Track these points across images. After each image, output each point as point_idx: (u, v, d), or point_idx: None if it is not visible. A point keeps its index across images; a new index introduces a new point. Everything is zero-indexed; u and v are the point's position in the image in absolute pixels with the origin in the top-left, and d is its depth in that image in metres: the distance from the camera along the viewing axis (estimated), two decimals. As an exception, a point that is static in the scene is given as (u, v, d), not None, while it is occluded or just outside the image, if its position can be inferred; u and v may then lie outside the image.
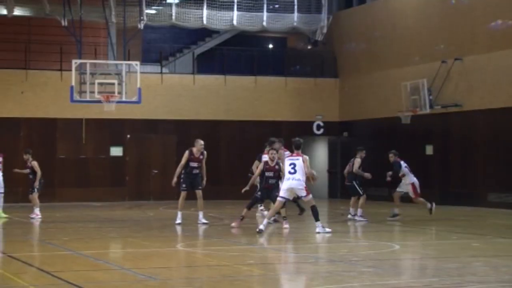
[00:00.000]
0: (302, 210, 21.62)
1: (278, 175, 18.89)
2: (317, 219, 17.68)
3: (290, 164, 17.64)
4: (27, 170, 22.33)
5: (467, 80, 27.34)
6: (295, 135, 32.93)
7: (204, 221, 19.92)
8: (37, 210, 21.91)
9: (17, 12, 28.86)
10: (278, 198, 17.83)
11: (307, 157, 17.96)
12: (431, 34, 28.73)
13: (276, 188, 18.72)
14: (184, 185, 19.98)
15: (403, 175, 21.83)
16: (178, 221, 19.80)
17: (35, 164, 22.09)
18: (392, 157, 22.06)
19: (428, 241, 16.73)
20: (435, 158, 28.82)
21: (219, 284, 10.92)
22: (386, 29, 30.84)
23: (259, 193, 19.23)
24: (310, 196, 17.78)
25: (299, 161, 17.67)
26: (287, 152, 19.78)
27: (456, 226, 20.13)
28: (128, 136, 31.08)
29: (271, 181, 18.89)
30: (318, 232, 17.43)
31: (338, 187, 33.39)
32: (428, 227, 19.59)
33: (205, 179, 20.16)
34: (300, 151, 17.95)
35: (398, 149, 30.37)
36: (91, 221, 21.84)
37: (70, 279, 10.93)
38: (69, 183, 30.38)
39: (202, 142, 20.18)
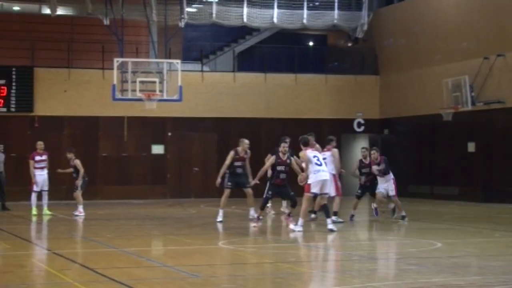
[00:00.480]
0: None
1: (289, 169, 18.44)
2: (328, 216, 17.46)
3: (314, 157, 17.34)
4: (71, 169, 22.56)
5: (509, 76, 27.06)
6: (335, 132, 32.82)
7: (255, 215, 19.77)
8: (80, 208, 22.14)
9: (60, 11, 29.18)
10: (309, 196, 17.42)
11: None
12: (472, 30, 28.48)
13: (287, 185, 18.40)
14: (229, 183, 20.05)
15: (383, 173, 21.17)
16: (219, 219, 19.86)
17: (77, 162, 22.29)
18: (374, 153, 21.52)
19: (471, 239, 16.61)
20: (478, 155, 28.57)
21: (261, 282, 10.96)
22: (427, 25, 30.64)
23: (270, 192, 18.62)
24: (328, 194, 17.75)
25: (321, 155, 17.70)
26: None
27: (499, 224, 19.95)
28: (169, 134, 31.26)
29: (282, 175, 18.32)
30: (331, 229, 17.13)
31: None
32: (470, 225, 19.45)
33: (250, 177, 20.16)
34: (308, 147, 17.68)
35: (439, 147, 30.39)
36: (133, 218, 22.02)
37: (114, 276, 11.04)
38: (111, 180, 30.64)
39: (247, 141, 20.36)
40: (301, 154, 17.61)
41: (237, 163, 20.06)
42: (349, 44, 35.11)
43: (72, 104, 30.19)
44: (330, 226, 17.26)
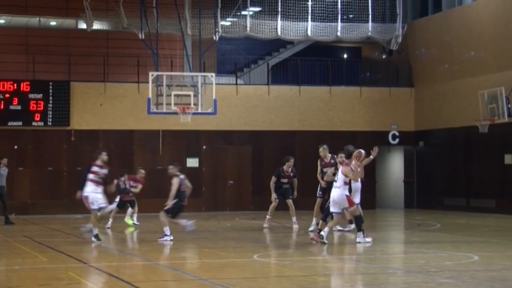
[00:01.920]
0: None
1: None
2: (359, 230, 17.43)
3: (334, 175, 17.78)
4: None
5: (546, 87, 26.82)
6: (370, 145, 32.71)
7: (296, 225, 21.52)
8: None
9: (96, 26, 29.45)
10: (334, 215, 17.61)
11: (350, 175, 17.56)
12: (508, 41, 28.27)
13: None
14: (275, 196, 21.66)
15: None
16: (265, 225, 21.57)
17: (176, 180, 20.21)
18: (342, 157, 21.20)
19: (508, 252, 16.44)
20: (514, 167, 28.30)
21: (296, 295, 10.94)
22: (462, 37, 30.48)
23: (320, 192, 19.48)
24: (355, 206, 17.59)
25: (339, 169, 17.70)
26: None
27: (536, 237, 19.72)
28: (204, 147, 31.37)
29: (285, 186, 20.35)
30: (359, 242, 17.25)
31: (415, 197, 33.11)
32: (508, 238, 19.26)
33: (295, 191, 22.15)
34: (347, 160, 17.88)
35: (475, 159, 30.15)
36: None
37: (150, 289, 11.09)
38: (146, 194, 30.73)
39: (292, 159, 21.25)
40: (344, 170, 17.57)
41: (283, 180, 22.16)
42: (384, 56, 35.01)
43: (108, 118, 30.44)
44: (359, 239, 17.41)
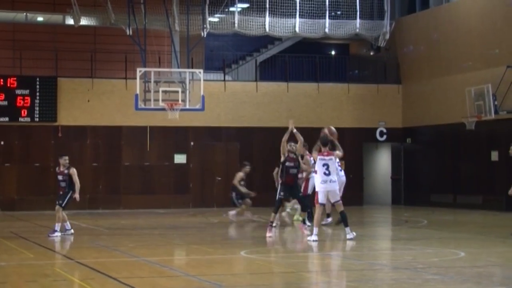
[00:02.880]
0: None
1: (299, 164, 18.88)
2: (346, 225, 17.46)
3: (323, 165, 17.36)
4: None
5: (533, 85, 26.93)
6: (357, 141, 32.98)
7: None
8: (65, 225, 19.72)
9: (84, 22, 29.36)
10: (317, 205, 17.58)
11: (339, 153, 17.64)
12: (495, 39, 28.36)
13: (297, 186, 18.80)
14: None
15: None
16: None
17: (75, 171, 19.66)
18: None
19: (494, 248, 16.51)
20: (501, 164, 28.41)
21: (283, 291, 10.96)
22: (450, 34, 30.55)
23: (281, 193, 18.65)
24: (340, 201, 17.61)
25: (332, 160, 17.44)
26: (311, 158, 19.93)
27: (523, 233, 19.78)
28: (192, 143, 31.35)
29: (292, 170, 18.64)
30: (350, 239, 17.24)
31: (402, 194, 33.20)
32: (494, 234, 19.33)
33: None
34: (327, 149, 17.61)
35: (462, 156, 30.25)
36: (155, 228, 22.08)
37: (136, 285, 11.08)
38: (134, 190, 30.76)
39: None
40: (337, 152, 17.62)
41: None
42: (371, 53, 35.05)
43: (95, 114, 30.37)
44: (349, 236, 17.34)
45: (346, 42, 36.75)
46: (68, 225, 19.31)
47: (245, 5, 30.94)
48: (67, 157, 19.55)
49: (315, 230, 17.23)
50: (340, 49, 38.25)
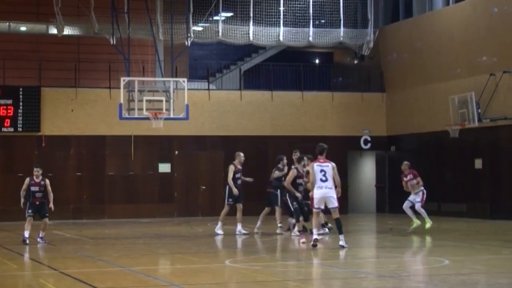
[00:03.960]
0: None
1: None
2: (340, 232, 17.47)
3: (321, 171, 17.48)
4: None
5: (516, 92, 27.05)
6: (342, 150, 33.01)
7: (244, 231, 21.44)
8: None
9: (67, 31, 29.32)
10: (314, 210, 17.64)
11: (334, 165, 17.82)
12: (478, 47, 28.49)
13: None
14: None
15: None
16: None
17: (48, 182, 20.09)
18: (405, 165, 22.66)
19: (479, 256, 16.56)
20: (485, 172, 28.51)
21: (268, 300, 10.93)
22: (433, 42, 30.67)
23: (294, 203, 19.33)
24: (337, 208, 17.64)
25: (328, 167, 17.57)
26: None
27: (506, 240, 19.87)
28: (176, 152, 31.30)
29: (301, 187, 19.59)
30: (342, 246, 17.26)
31: (387, 202, 33.25)
32: (478, 242, 19.39)
33: None
34: (324, 157, 17.77)
35: (446, 163, 30.33)
36: (140, 237, 22.01)
37: (121, 295, 11.03)
38: (118, 199, 30.67)
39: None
40: (333, 164, 17.79)
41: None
42: (355, 62, 35.16)
43: (79, 123, 30.28)
44: (341, 243, 17.31)
45: (330, 50, 36.84)
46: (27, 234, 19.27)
47: (229, 14, 31.00)
48: (40, 169, 19.78)
49: (315, 231, 17.42)
50: (324, 58, 38.33)
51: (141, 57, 28.35)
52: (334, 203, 17.58)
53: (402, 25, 32.85)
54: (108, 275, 13.69)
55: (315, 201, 17.55)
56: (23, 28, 32.56)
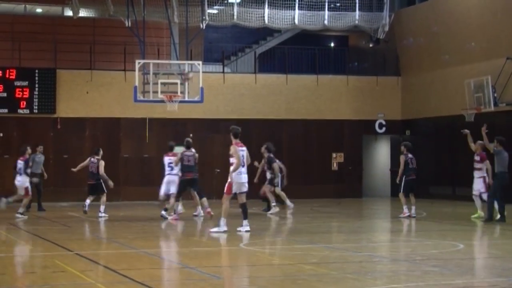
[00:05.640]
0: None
1: None
2: (245, 218, 17.30)
3: (242, 156, 17.20)
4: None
5: (532, 77, 26.89)
6: (357, 133, 32.99)
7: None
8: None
9: (82, 13, 29.36)
10: (228, 196, 17.34)
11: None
12: (495, 31, 28.31)
13: None
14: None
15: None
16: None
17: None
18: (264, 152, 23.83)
19: (493, 240, 16.52)
20: (500, 156, 28.32)
21: (282, 283, 10.96)
22: (449, 26, 30.50)
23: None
24: (231, 195, 17.43)
25: (245, 152, 17.33)
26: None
27: (522, 225, 19.80)
28: (191, 135, 31.28)
29: None
30: (239, 231, 17.11)
31: (401, 186, 33.14)
32: (493, 226, 19.33)
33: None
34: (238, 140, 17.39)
35: (461, 148, 30.15)
36: (155, 219, 22.06)
37: (136, 277, 11.08)
38: (133, 182, 30.74)
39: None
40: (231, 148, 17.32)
41: None
42: (371, 45, 35.01)
43: (94, 106, 30.35)
44: (246, 228, 17.19)
45: (345, 34, 36.71)
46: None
47: (244, -3, 30.89)
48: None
49: (223, 221, 17.21)
50: (339, 41, 38.21)
51: (156, 40, 28.32)
52: (247, 187, 17.33)
53: (418, 8, 32.68)
54: (123, 257, 13.75)
55: (234, 186, 17.16)
56: (38, 10, 32.59)
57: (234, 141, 17.43)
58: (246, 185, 17.34)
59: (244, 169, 17.24)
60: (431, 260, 12.92)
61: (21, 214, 22.01)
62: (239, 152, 17.24)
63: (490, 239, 16.87)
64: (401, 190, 21.60)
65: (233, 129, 17.66)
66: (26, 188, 22.51)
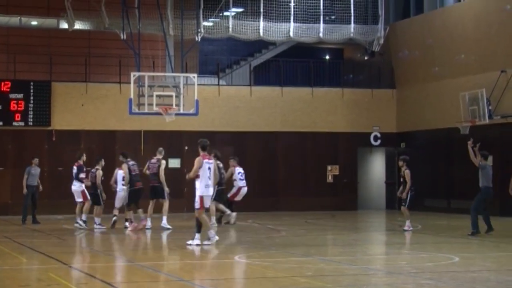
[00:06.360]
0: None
1: None
2: (198, 231, 17.21)
3: (209, 169, 17.09)
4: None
5: (527, 90, 26.97)
6: (352, 146, 33.00)
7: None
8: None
9: (78, 26, 29.34)
10: (201, 210, 17.24)
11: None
12: (490, 44, 28.40)
13: None
14: None
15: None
16: None
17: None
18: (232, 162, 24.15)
19: (489, 253, 16.52)
20: (495, 169, 28.33)
21: (277, 296, 10.93)
22: (444, 38, 30.59)
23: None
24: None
25: (212, 165, 17.27)
26: (238, 168, 20.98)
27: (517, 238, 19.81)
28: (186, 147, 31.29)
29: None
30: (190, 244, 17.01)
31: (396, 198, 33.16)
32: (487, 239, 19.33)
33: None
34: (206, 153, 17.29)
35: (456, 160, 30.24)
36: (149, 232, 22.01)
37: (130, 290, 11.05)
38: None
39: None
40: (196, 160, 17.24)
41: None
42: (366, 58, 35.10)
43: (89, 118, 30.32)
44: (193, 242, 17.09)
45: (340, 46, 36.77)
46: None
47: (240, 10, 30.96)
48: None
49: (212, 233, 17.19)
50: (334, 54, 38.28)
51: (151, 52, 28.37)
52: (209, 203, 17.40)
53: (413, 21, 32.77)
54: (117, 270, 13.71)
55: (205, 200, 17.16)
56: (34, 23, 32.60)
57: (201, 153, 17.31)
58: (210, 198, 17.43)
59: (210, 182, 17.12)
60: (426, 273, 12.91)
61: (85, 222, 22.48)
62: (205, 164, 17.08)
63: (485, 252, 16.86)
64: (407, 205, 21.36)
65: (201, 141, 17.55)
66: (83, 192, 22.61)
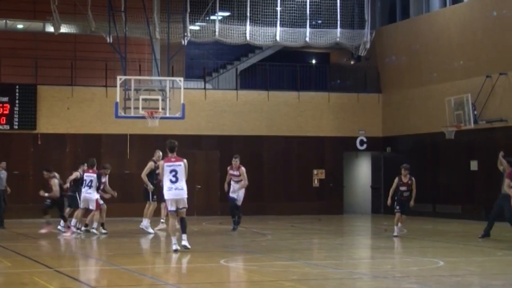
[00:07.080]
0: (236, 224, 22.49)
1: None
2: (184, 232, 16.98)
3: (171, 172, 16.76)
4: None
5: (512, 94, 27.10)
6: (338, 150, 33.05)
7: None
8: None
9: (64, 29, 29.29)
10: (170, 212, 17.02)
11: (186, 162, 17.09)
12: (475, 49, 28.53)
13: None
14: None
15: None
16: None
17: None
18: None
19: (473, 257, 16.58)
20: (480, 173, 28.53)
21: (262, 300, 10.94)
22: (430, 43, 30.70)
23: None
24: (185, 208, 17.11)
25: (180, 167, 16.86)
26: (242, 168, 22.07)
27: (501, 242, 19.89)
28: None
29: (405, 194, 20.91)
30: (185, 246, 16.74)
31: (382, 203, 33.24)
32: (473, 243, 19.41)
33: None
34: (175, 155, 17.01)
35: (442, 165, 30.37)
36: (135, 236, 21.98)
37: (115, 294, 11.03)
38: (113, 198, 30.55)
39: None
40: (185, 161, 17.09)
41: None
42: (352, 62, 35.19)
43: (75, 122, 30.25)
44: (184, 243, 16.82)
45: (326, 51, 36.85)
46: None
47: (226, 14, 30.99)
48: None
49: (174, 239, 16.79)
50: (321, 58, 38.35)
51: (138, 56, 28.33)
52: (185, 204, 17.05)
53: (399, 26, 32.87)
54: (102, 273, 13.68)
55: (167, 203, 17.00)
56: (19, 26, 32.51)
57: (169, 155, 17.11)
58: (184, 200, 17.00)
59: (175, 185, 16.83)
60: (411, 277, 12.94)
61: (96, 229, 22.33)
62: (166, 168, 16.86)
63: (470, 256, 16.92)
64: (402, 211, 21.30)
65: (168, 142, 17.32)
66: (96, 201, 22.38)
